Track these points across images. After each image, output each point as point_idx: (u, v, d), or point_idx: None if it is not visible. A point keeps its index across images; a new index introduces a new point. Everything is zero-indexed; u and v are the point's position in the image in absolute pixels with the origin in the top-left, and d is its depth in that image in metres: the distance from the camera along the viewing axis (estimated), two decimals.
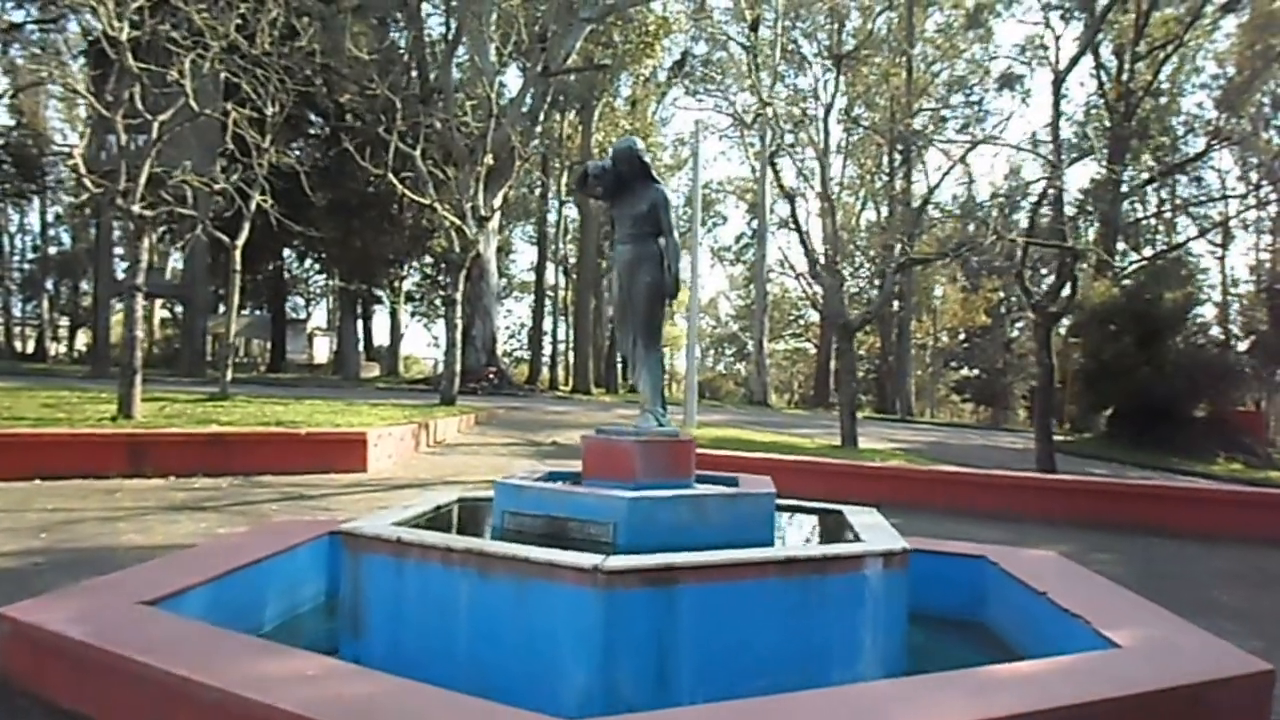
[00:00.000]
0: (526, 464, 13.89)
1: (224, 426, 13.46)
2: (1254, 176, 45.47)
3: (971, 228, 25.36)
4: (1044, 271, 35.84)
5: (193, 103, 14.58)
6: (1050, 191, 17.72)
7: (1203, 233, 39.48)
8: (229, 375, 19.10)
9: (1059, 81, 18.74)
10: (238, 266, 18.95)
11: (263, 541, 5.85)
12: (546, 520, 5.14)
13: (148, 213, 14.03)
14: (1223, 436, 27.07)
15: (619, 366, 51.69)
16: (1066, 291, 17.48)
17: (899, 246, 20.17)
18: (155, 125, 14.24)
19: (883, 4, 41.12)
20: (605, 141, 43.06)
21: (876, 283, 27.93)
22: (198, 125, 17.39)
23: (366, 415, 16.20)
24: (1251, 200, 44.72)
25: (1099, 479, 13.14)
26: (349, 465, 12.26)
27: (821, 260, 20.97)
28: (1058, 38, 20.03)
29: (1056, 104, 18.92)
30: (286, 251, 39.44)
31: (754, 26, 37.59)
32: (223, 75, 16.89)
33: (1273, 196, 44.41)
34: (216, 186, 16.71)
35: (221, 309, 43.91)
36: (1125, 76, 22.04)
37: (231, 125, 16.41)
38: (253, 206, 18.47)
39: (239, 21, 15.81)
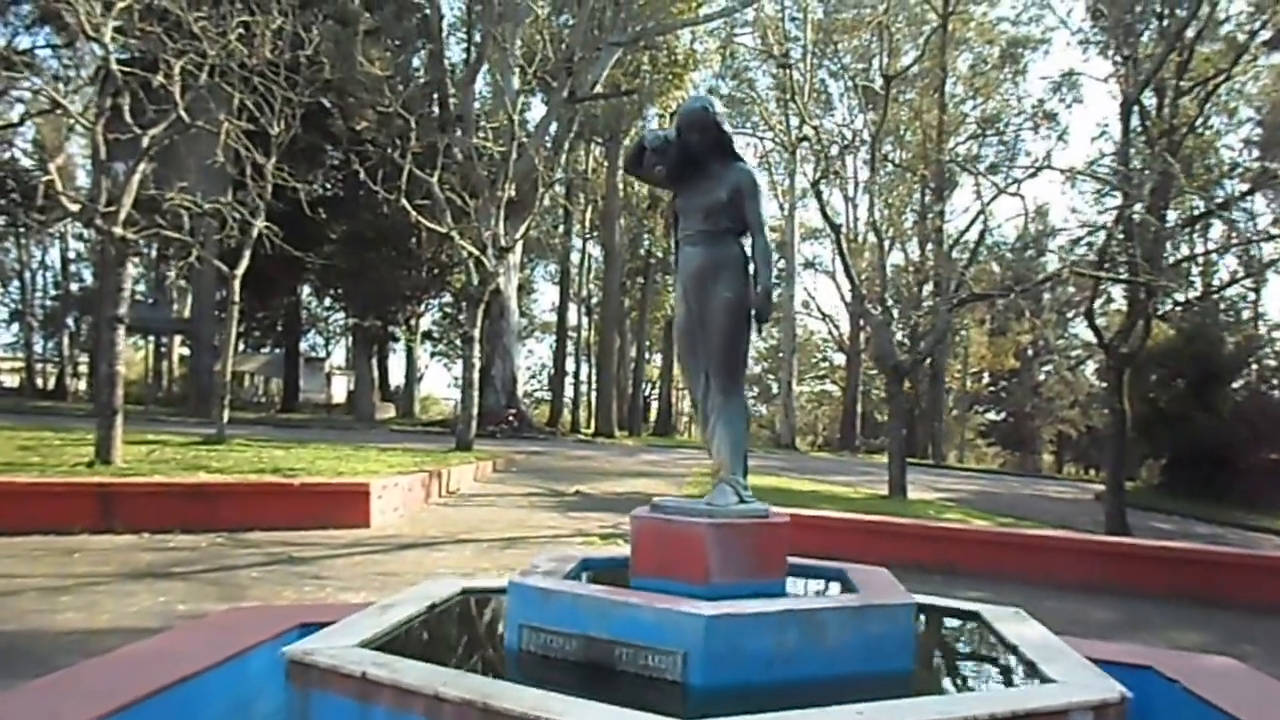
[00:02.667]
0: (549, 519, 12.42)
1: (212, 474, 12.08)
2: None
3: (1033, 261, 24.07)
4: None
5: (183, 113, 13.28)
6: (1122, 222, 16.24)
7: (1249, 274, 37.80)
8: (226, 416, 17.72)
9: (1128, 105, 17.25)
10: (236, 298, 17.64)
11: (205, 642, 4.34)
12: (583, 642, 3.73)
13: (131, 235, 12.72)
14: None
15: (645, 408, 50.46)
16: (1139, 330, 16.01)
17: (954, 283, 18.73)
18: (145, 139, 12.95)
19: (912, 43, 39.96)
20: (630, 176, 41.97)
21: (913, 322, 26.37)
22: (198, 147, 16.24)
23: (374, 462, 14.78)
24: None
25: (1205, 547, 11.66)
26: (349, 520, 10.79)
27: (867, 298, 19.54)
28: (1128, 58, 18.53)
29: (1126, 128, 17.31)
30: (303, 288, 38.36)
31: (783, 65, 36.62)
32: (234, 98, 15.62)
33: None
34: (206, 207, 15.38)
35: (241, 347, 43.07)
36: (1167, 112, 20.79)
37: (224, 139, 15.10)
38: (254, 234, 17.20)
39: (241, 31, 14.64)
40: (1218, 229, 41.78)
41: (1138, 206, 16.11)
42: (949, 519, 14.47)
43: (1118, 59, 22.78)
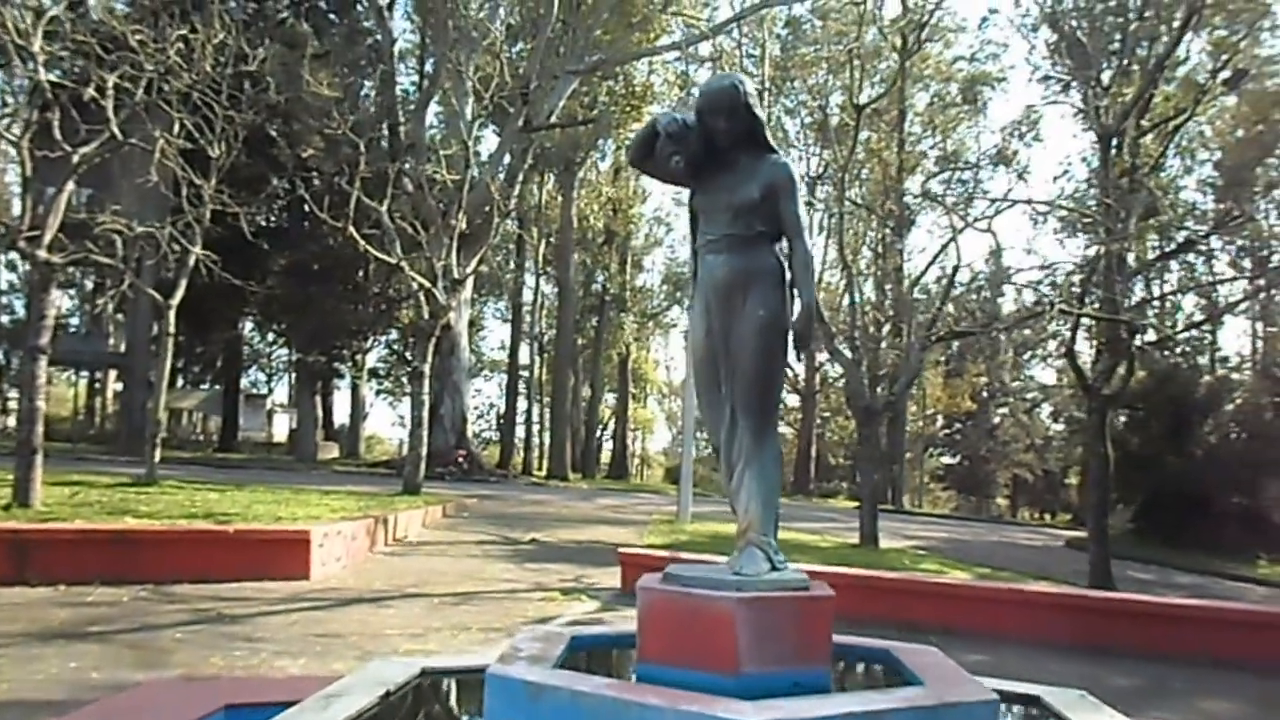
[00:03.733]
0: (504, 570, 11.52)
1: (140, 520, 11.06)
2: (1246, 262, 44.49)
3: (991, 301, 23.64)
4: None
5: (116, 131, 12.38)
6: (1103, 260, 15.77)
7: (1211, 317, 37.87)
8: (158, 456, 16.62)
9: (1106, 140, 16.87)
10: (172, 329, 16.60)
11: None
12: None
13: (57, 260, 11.75)
14: (1263, 534, 24.89)
15: (598, 450, 49.47)
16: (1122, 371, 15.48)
17: (927, 320, 18.18)
18: (75, 157, 12.02)
19: (868, 80, 39.79)
20: (586, 209, 41.32)
21: (880, 363, 25.86)
22: (134, 169, 15.35)
23: (315, 506, 13.78)
24: (1244, 284, 43.55)
25: (1222, 604, 10.99)
26: (288, 571, 9.82)
27: (837, 337, 18.92)
28: (1107, 89, 18.22)
29: (1106, 163, 16.89)
30: (244, 322, 37.16)
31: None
32: (173, 116, 14.74)
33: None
34: (140, 231, 14.41)
35: (179, 383, 41.64)
36: (1127, 152, 20.62)
37: (159, 157, 14.20)
38: (192, 262, 16.23)
39: (180, 46, 13.79)
40: (1173, 271, 42.18)
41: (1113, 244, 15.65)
42: (926, 569, 13.80)
43: (1083, 97, 22.65)
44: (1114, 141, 18.83)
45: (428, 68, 25.51)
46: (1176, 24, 20.84)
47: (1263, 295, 43.39)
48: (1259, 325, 47.61)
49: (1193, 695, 7.48)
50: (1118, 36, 20.08)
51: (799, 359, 4.16)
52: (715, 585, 3.51)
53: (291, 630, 7.52)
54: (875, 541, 16.83)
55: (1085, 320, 18.20)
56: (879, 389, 19.80)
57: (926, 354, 19.43)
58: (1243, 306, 43.36)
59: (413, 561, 11.86)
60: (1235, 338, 67.80)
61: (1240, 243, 42.46)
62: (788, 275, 4.13)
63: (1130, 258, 22.28)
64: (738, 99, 4.10)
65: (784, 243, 4.14)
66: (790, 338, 4.05)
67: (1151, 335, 21.43)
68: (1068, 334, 17.39)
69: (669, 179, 4.58)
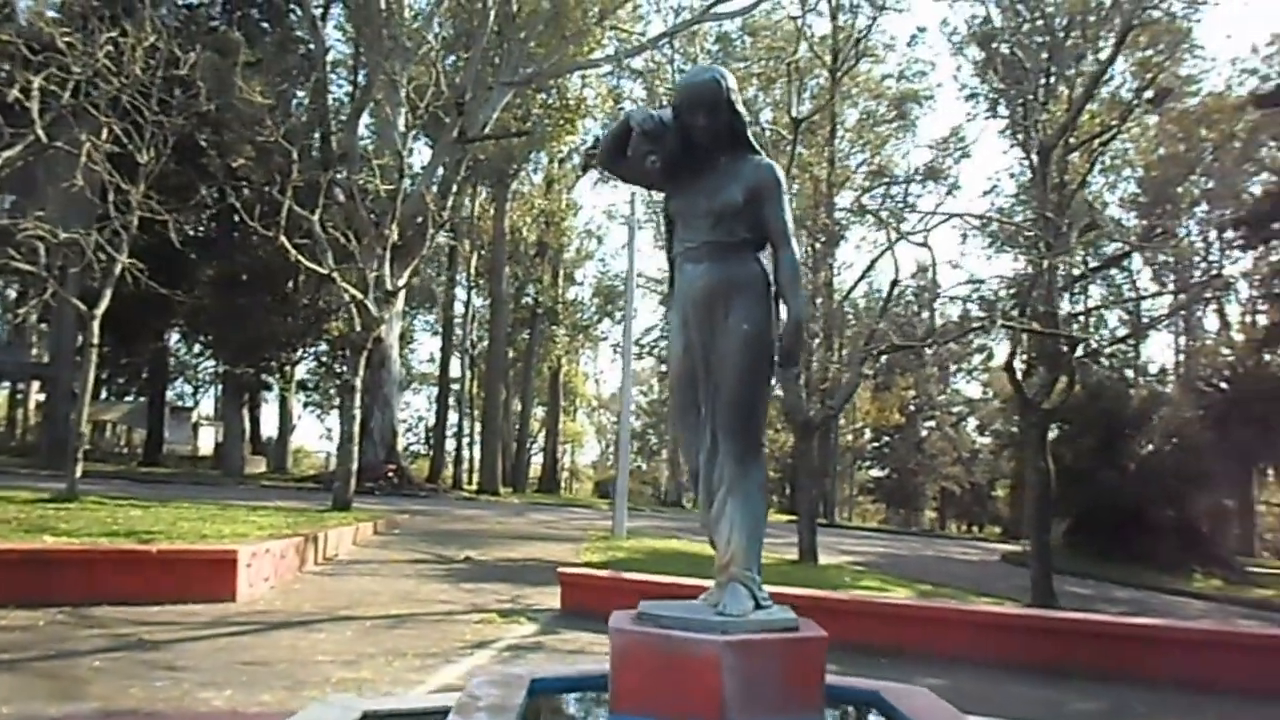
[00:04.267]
0: (439, 591, 11.24)
1: (58, 538, 10.63)
2: (1167, 277, 45.54)
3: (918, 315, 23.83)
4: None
5: (41, 133, 11.96)
6: (1045, 274, 15.94)
7: (1136, 331, 38.65)
8: (79, 470, 16.06)
9: (1045, 154, 17.04)
10: (95, 340, 16.02)
11: None
12: None
13: None
14: (1197, 547, 25.33)
15: (528, 464, 48.99)
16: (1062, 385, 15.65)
17: (840, 335, 18.24)
18: None
19: (796, 96, 40.04)
20: (519, 221, 41.02)
21: (814, 377, 25.94)
22: (59, 174, 14.85)
23: (242, 523, 13.36)
24: (1168, 299, 44.57)
25: (1178, 624, 10.98)
26: (214, 593, 9.44)
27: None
28: (1043, 103, 18.45)
29: (1044, 177, 17.06)
30: (170, 333, 36.27)
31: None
32: (101, 120, 14.30)
33: (1203, 295, 44.47)
34: (64, 237, 13.93)
35: (103, 394, 40.52)
36: (1055, 170, 20.96)
37: (85, 160, 13.76)
38: (117, 271, 15.74)
39: (110, 48, 13.40)
40: (1096, 286, 42.97)
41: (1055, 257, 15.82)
42: (869, 587, 13.78)
43: (1012, 114, 23.02)
44: (1052, 154, 19.11)
45: (361, 77, 25.11)
46: (1104, 44, 21.36)
47: (1184, 310, 44.57)
48: (1182, 339, 48.57)
49: (1156, 718, 7.43)
50: (1044, 56, 20.38)
51: (788, 379, 3.99)
52: (697, 627, 3.31)
53: (217, 658, 7.19)
54: (814, 557, 16.80)
55: (1011, 334, 18.37)
56: (814, 403, 19.79)
57: (865, 367, 19.49)
58: (1166, 321, 44.51)
59: (344, 582, 11.53)
60: (1159, 351, 69.17)
61: (1163, 258, 43.57)
62: (772, 286, 3.93)
63: (1059, 272, 22.70)
64: (720, 94, 3.89)
65: (768, 250, 3.95)
66: (776, 353, 3.86)
67: (1080, 349, 21.75)
68: (996, 348, 17.56)
69: (642, 181, 4.46)
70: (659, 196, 4.44)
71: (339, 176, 21.21)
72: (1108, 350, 31.81)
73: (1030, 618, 10.38)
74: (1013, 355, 16.44)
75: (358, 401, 18.90)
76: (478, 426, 46.01)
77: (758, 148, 4.10)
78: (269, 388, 39.08)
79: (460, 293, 44.96)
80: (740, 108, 3.99)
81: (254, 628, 8.42)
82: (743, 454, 3.81)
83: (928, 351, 43.26)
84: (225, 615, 8.81)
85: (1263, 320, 44.31)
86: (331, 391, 42.13)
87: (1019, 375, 16.27)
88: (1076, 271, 26.20)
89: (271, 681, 6.53)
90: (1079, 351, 19.92)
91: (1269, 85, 39.63)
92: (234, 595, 9.55)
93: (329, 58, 23.15)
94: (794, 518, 36.49)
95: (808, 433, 17.93)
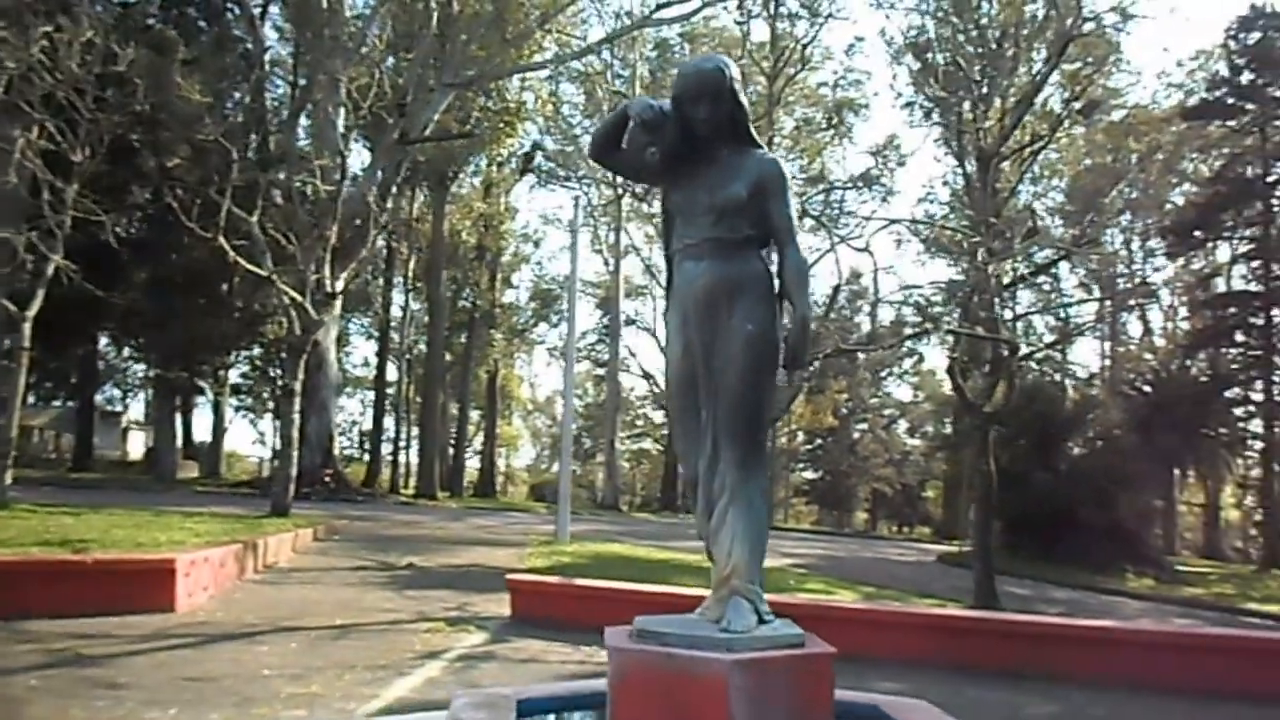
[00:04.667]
0: (384, 599, 11.06)
1: None
2: (1093, 285, 46.53)
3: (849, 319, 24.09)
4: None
5: None
6: (991, 279, 16.13)
7: (1064, 336, 39.35)
8: (9, 477, 15.58)
9: (985, 162, 17.25)
10: (27, 343, 15.59)
11: None
12: None
13: None
14: (1128, 547, 25.82)
15: (480, 468, 48.63)
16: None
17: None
18: None
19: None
20: (459, 224, 40.71)
21: None
22: None
23: (178, 530, 13.04)
24: (1094, 305, 45.52)
25: (1134, 626, 11.15)
26: (152, 603, 9.21)
27: None
28: (979, 110, 18.68)
29: (985, 184, 17.25)
30: (100, 336, 35.38)
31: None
32: (34, 116, 13.90)
33: (1128, 302, 45.55)
34: None
35: (30, 399, 39.35)
36: (990, 177, 21.27)
37: (19, 156, 13.38)
38: (50, 271, 15.32)
39: (45, 43, 13.05)
40: (1022, 292, 43.74)
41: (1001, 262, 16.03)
42: (814, 589, 13.84)
43: (946, 124, 23.27)
44: (974, 166, 19.37)
45: (300, 78, 24.75)
46: (1037, 56, 21.70)
47: (1110, 316, 45.57)
48: (1108, 345, 49.57)
49: None
50: (978, 67, 20.63)
51: (789, 382, 3.90)
52: (702, 644, 3.20)
53: (159, 673, 6.99)
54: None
55: (950, 339, 18.57)
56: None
57: (811, 370, 19.61)
58: (1093, 326, 45.46)
59: (286, 590, 11.32)
60: (1087, 356, 70.67)
61: (1090, 266, 44.52)
62: (775, 285, 3.83)
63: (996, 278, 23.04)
64: (723, 84, 3.77)
65: (770, 249, 3.86)
66: (779, 355, 3.75)
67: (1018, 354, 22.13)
68: (927, 353, 17.77)
69: (639, 175, 4.28)
70: (642, 189, 4.33)
71: (278, 177, 20.88)
72: (1039, 355, 32.36)
73: (985, 620, 10.44)
74: (955, 359, 16.64)
75: (297, 405, 18.58)
76: (414, 431, 45.61)
77: (760, 141, 3.99)
78: (202, 392, 38.38)
79: (398, 296, 44.56)
80: (743, 99, 3.88)
81: (195, 640, 8.23)
82: (744, 460, 3.70)
83: (861, 355, 43.77)
84: (165, 627, 8.60)
85: (1184, 327, 45.66)
86: (265, 395, 41.45)
87: (956, 380, 16.44)
88: (1007, 280, 26.66)
89: (218, 699, 6.36)
90: (1018, 355, 20.29)
91: (1193, 99, 40.89)
92: (173, 606, 9.35)
93: (267, 57, 22.78)
94: None
95: None
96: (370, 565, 13.95)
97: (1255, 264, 38.07)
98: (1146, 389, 35.10)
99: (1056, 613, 15.94)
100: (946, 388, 52.28)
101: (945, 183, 39.42)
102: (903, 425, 59.69)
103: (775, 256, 3.93)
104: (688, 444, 3.91)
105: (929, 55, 24.13)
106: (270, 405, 41.70)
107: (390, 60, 23.75)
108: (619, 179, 32.91)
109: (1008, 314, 39.56)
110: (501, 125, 33.80)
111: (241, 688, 6.66)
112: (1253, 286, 38.13)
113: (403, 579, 12.86)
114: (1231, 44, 38.93)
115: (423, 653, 8.21)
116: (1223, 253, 42.74)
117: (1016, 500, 24.09)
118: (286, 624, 9.11)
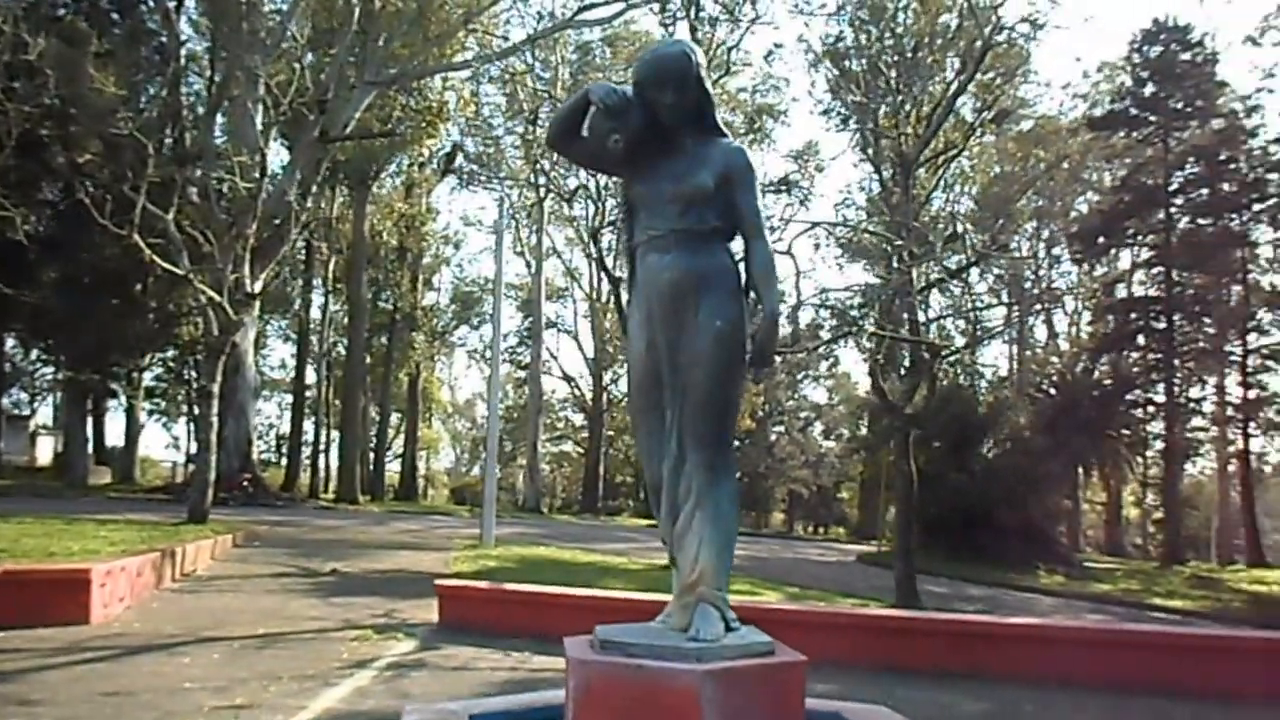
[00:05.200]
0: (308, 607, 10.82)
1: None
2: (1004, 290, 47.55)
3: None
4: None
5: None
6: (908, 283, 16.33)
7: (975, 340, 40.08)
8: None
9: (907, 168, 17.45)
10: None
11: None
12: None
13: None
14: (1040, 545, 26.49)
15: (401, 472, 48.00)
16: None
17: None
18: None
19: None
20: (380, 225, 40.19)
21: None
22: None
23: (92, 539, 12.68)
24: (1003, 310, 46.49)
25: (1055, 624, 11.13)
26: (66, 615, 8.90)
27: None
28: (897, 122, 18.89)
29: (906, 189, 17.45)
30: (6, 337, 34.23)
31: (532, 121, 36.02)
32: None
33: (1034, 307, 46.58)
34: None
35: None
36: (909, 182, 21.64)
37: None
38: None
39: None
40: (935, 296, 44.56)
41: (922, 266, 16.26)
42: (738, 590, 13.83)
43: (861, 130, 23.55)
44: (891, 173, 19.65)
45: (217, 73, 24.21)
46: (950, 66, 22.08)
47: (1017, 321, 46.61)
48: (1015, 349, 50.62)
49: (1047, 717, 7.52)
50: (894, 75, 20.92)
51: (756, 381, 3.76)
52: (670, 655, 3.08)
53: (75, 688, 6.71)
54: None
55: (868, 342, 18.79)
56: None
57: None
58: (1003, 330, 46.43)
59: (206, 599, 11.02)
60: (997, 359, 72.30)
61: (998, 271, 45.46)
62: (746, 283, 3.71)
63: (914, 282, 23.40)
64: (689, 69, 3.64)
65: (738, 242, 3.73)
66: (746, 352, 3.61)
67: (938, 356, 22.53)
68: (843, 355, 17.96)
69: (599, 164, 4.17)
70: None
71: (194, 174, 20.41)
72: (952, 359, 32.96)
73: (913, 620, 10.46)
74: (876, 362, 16.80)
75: (215, 408, 18.15)
76: (334, 434, 44.91)
77: (725, 131, 3.88)
78: (115, 395, 37.38)
79: (317, 297, 43.83)
80: (709, 86, 3.77)
81: (113, 653, 7.95)
82: (712, 462, 3.59)
83: (777, 359, 44.21)
84: (80, 640, 8.30)
85: (1087, 331, 46.96)
86: (181, 399, 40.50)
87: (860, 380, 16.73)
88: (921, 284, 27.13)
89: (138, 714, 6.13)
90: (939, 357, 20.62)
91: (1099, 110, 42.15)
92: (88, 618, 9.03)
93: (183, 51, 22.21)
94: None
95: None
96: (293, 571, 13.67)
97: (1157, 270, 39.34)
98: (1053, 392, 36.01)
99: (975, 610, 16.21)
100: (861, 390, 53.37)
101: (862, 188, 39.95)
102: (819, 427, 60.30)
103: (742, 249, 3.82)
104: (651, 446, 3.77)
105: (846, 62, 24.43)
106: (186, 408, 40.78)
107: (310, 56, 23.34)
108: (541, 181, 32.82)
109: (921, 316, 40.38)
110: (423, 125, 33.43)
111: (162, 702, 6.43)
112: (1154, 292, 39.41)
113: (327, 585, 12.62)
114: (1135, 57, 40.30)
115: (351, 662, 8.02)
116: (1125, 259, 44.19)
117: (933, 501, 24.48)
118: (208, 634, 8.84)
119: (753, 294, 3.77)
